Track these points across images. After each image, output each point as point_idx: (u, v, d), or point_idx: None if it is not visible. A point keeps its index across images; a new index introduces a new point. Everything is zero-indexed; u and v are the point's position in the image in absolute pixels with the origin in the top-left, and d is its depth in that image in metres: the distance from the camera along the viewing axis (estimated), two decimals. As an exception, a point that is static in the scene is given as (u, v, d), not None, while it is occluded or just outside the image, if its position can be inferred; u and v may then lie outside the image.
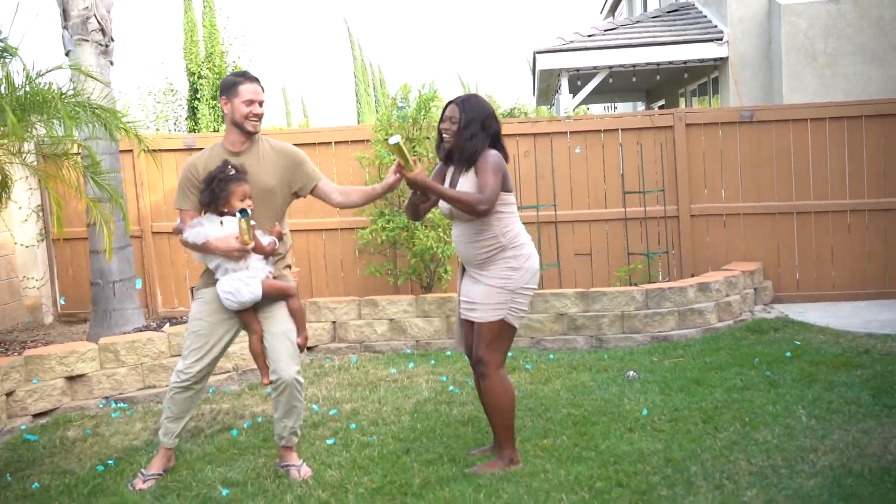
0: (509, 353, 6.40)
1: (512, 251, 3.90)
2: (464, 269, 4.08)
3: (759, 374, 5.48)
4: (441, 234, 6.96)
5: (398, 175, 3.92)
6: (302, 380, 4.08)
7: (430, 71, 65.89)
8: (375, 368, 6.30)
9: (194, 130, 11.67)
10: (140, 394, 5.69)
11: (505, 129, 7.66)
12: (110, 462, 4.44)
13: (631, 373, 5.69)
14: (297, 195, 4.27)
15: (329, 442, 4.61)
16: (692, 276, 7.62)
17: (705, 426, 4.55)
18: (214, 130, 11.13)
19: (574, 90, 12.71)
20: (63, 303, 8.31)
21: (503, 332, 3.94)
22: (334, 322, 6.95)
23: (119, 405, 5.58)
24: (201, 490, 3.99)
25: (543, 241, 7.77)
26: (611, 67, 11.85)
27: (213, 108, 11.30)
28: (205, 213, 3.99)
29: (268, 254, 4.04)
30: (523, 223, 7.31)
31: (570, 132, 7.87)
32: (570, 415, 4.89)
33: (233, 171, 3.93)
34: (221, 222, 3.93)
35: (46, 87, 5.30)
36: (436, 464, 4.18)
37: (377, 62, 40.78)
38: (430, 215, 7.03)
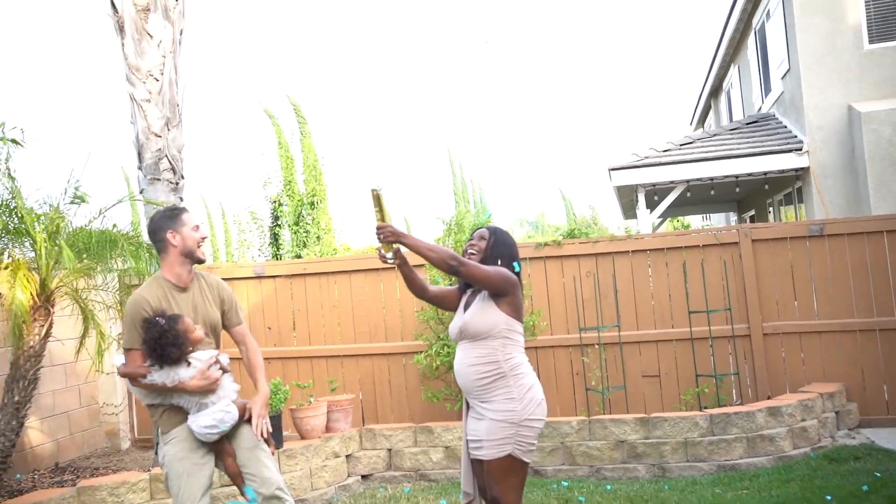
0: (564, 483, 6.20)
1: (513, 380, 3.78)
2: (468, 406, 3.99)
3: (826, 511, 5.08)
4: (496, 359, 6.87)
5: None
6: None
7: (531, 188, 66.78)
8: (426, 499, 6.16)
9: (277, 256, 12.12)
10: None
11: (565, 251, 7.75)
12: None
13: (688, 507, 5.36)
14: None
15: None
16: (768, 398, 7.23)
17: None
18: (297, 256, 11.53)
19: (651, 205, 12.59)
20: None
21: (514, 468, 3.77)
22: (390, 450, 6.88)
23: (167, 537, 5.62)
24: None
25: (609, 364, 7.57)
26: (688, 182, 11.72)
27: (294, 233, 11.77)
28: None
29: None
30: (585, 345, 7.19)
31: (632, 251, 7.75)
32: (614, 554, 4.62)
33: (163, 320, 3.77)
34: (189, 363, 3.81)
35: (111, 228, 5.70)
36: None
37: (478, 182, 41.48)
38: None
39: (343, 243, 21.55)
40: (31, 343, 5.74)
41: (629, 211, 15.84)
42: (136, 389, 3.94)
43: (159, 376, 3.77)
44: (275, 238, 11.91)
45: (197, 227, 4.06)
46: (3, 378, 6.10)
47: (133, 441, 8.57)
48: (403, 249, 3.87)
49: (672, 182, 11.76)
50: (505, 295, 3.83)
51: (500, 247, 3.96)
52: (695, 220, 25.98)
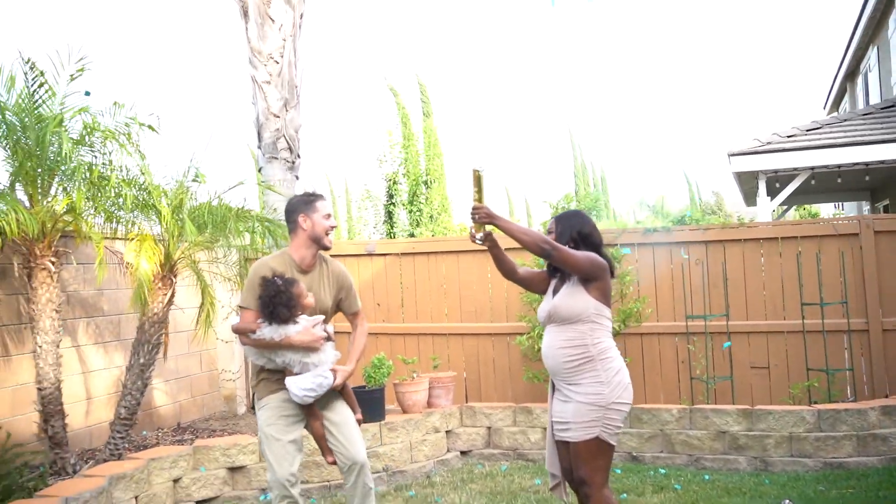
0: (662, 471, 6.17)
1: (601, 363, 3.82)
2: (554, 388, 4.04)
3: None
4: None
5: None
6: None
7: (654, 171, 65.31)
8: (521, 478, 6.26)
9: (391, 234, 12.38)
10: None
11: (675, 237, 7.63)
12: (243, 553, 4.75)
13: (787, 502, 5.25)
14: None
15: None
16: (886, 396, 6.94)
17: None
18: (410, 235, 11.79)
19: (773, 192, 12.15)
20: None
21: (601, 450, 3.82)
22: (489, 428, 7.01)
23: (273, 497, 5.94)
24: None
25: (716, 354, 7.43)
26: (812, 169, 11.24)
27: (409, 212, 12.01)
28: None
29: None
30: (691, 333, 7.08)
31: (745, 239, 7.56)
32: (705, 544, 4.59)
33: (280, 281, 4.07)
34: (296, 323, 4.08)
35: (229, 205, 6.06)
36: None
37: (599, 164, 40.89)
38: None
39: (461, 223, 21.81)
40: (156, 310, 6.14)
41: (750, 198, 15.30)
42: (246, 347, 4.24)
43: (268, 332, 4.04)
44: (389, 216, 12.19)
45: (328, 215, 4.30)
46: (131, 342, 6.56)
47: (248, 406, 9.02)
48: (497, 232, 3.96)
49: (795, 169, 11.31)
50: (594, 280, 3.87)
51: (565, 227, 4.02)
52: (826, 209, 24.82)
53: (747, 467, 6.28)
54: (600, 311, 3.89)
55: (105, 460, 6.02)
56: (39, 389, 5.96)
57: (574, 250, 3.87)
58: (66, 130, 5.43)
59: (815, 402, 6.80)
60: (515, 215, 41.12)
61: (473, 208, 3.87)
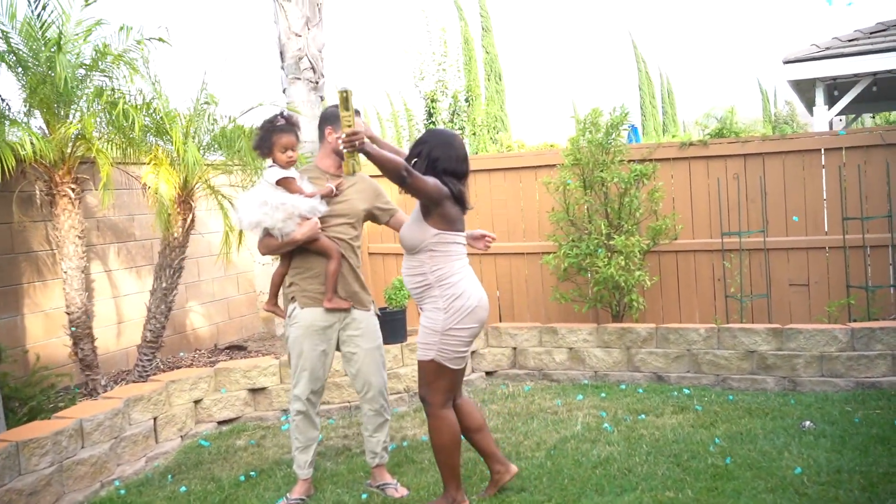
0: (686, 391, 6.05)
1: (439, 289, 3.86)
2: None
3: (962, 438, 4.66)
4: (625, 263, 6.70)
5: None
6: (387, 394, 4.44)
7: (726, 81, 62.92)
8: (542, 399, 6.22)
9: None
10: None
11: (711, 151, 7.31)
12: (253, 473, 4.85)
13: (807, 422, 5.09)
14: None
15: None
16: (931, 313, 6.62)
17: (860, 495, 3.96)
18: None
19: (831, 101, 11.52)
20: None
21: (440, 372, 3.91)
22: (514, 348, 6.95)
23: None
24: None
25: (754, 271, 7.17)
26: (874, 74, 10.59)
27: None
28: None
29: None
30: (728, 250, 6.82)
31: (786, 152, 7.18)
32: (713, 466, 4.49)
33: (281, 121, 4.21)
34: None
35: (240, 127, 6.01)
36: (533, 506, 4.07)
37: (665, 74, 39.44)
38: (614, 241, 6.80)
39: (518, 140, 21.38)
40: (176, 234, 6.20)
41: (811, 107, 14.59)
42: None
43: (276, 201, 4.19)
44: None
45: None
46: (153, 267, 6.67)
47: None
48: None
49: (856, 75, 10.68)
50: (435, 206, 3.83)
51: (418, 149, 3.92)
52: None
53: (775, 388, 6.11)
54: (441, 239, 3.85)
55: (134, 382, 6.19)
56: (68, 314, 6.12)
57: (427, 178, 3.75)
58: (64, 53, 5.40)
59: (855, 320, 6.54)
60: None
61: (349, 134, 3.44)
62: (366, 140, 3.54)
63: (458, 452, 4.03)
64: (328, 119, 4.35)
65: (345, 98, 3.43)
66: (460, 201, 3.91)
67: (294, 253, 4.30)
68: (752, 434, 5.01)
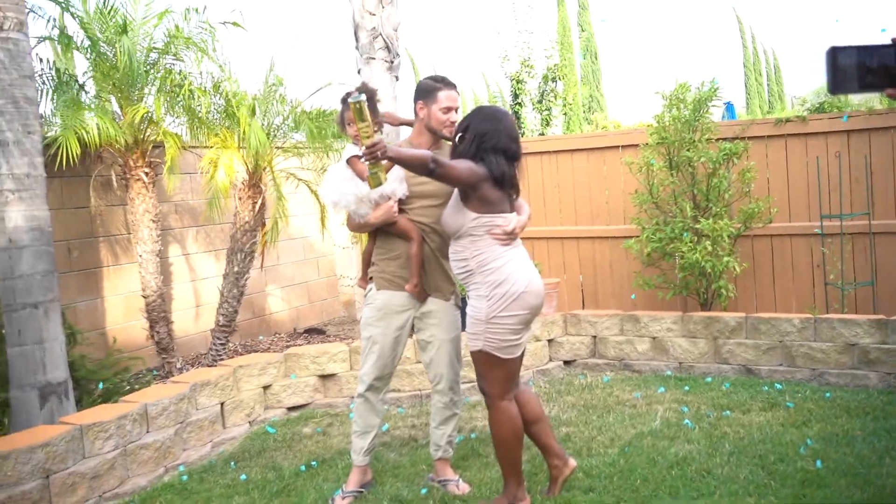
0: (778, 386, 5.64)
1: (480, 276, 3.66)
2: None
3: None
4: (712, 247, 6.29)
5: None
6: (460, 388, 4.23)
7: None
8: (621, 391, 5.90)
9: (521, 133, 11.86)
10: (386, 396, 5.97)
11: (810, 128, 6.79)
12: (314, 463, 4.73)
13: (912, 425, 4.63)
14: None
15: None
16: None
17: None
18: (541, 135, 11.27)
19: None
20: None
21: (492, 363, 3.71)
22: (594, 336, 6.65)
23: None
24: (363, 504, 4.08)
25: (858, 257, 6.64)
26: None
27: (539, 111, 11.44)
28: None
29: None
30: (828, 235, 6.35)
31: (894, 127, 6.60)
32: (802, 470, 4.12)
33: (356, 94, 3.66)
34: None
35: (303, 109, 5.90)
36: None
37: (771, 50, 37.77)
38: (700, 224, 6.41)
39: (615, 120, 20.79)
40: (246, 218, 6.15)
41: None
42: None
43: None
44: (516, 116, 11.62)
45: (448, 109, 4.04)
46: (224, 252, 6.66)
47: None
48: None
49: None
50: (473, 191, 3.63)
51: (466, 124, 3.74)
52: None
53: (878, 384, 5.61)
54: (481, 223, 3.64)
55: (209, 366, 6.20)
56: (144, 297, 6.17)
57: (455, 163, 3.57)
58: (129, 37, 5.39)
59: (971, 312, 5.96)
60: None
61: (370, 147, 3.22)
62: (387, 146, 3.30)
63: (519, 447, 3.81)
64: (419, 93, 4.12)
65: (359, 109, 3.25)
66: (502, 182, 3.66)
67: (378, 233, 4.17)
68: (850, 436, 4.59)
